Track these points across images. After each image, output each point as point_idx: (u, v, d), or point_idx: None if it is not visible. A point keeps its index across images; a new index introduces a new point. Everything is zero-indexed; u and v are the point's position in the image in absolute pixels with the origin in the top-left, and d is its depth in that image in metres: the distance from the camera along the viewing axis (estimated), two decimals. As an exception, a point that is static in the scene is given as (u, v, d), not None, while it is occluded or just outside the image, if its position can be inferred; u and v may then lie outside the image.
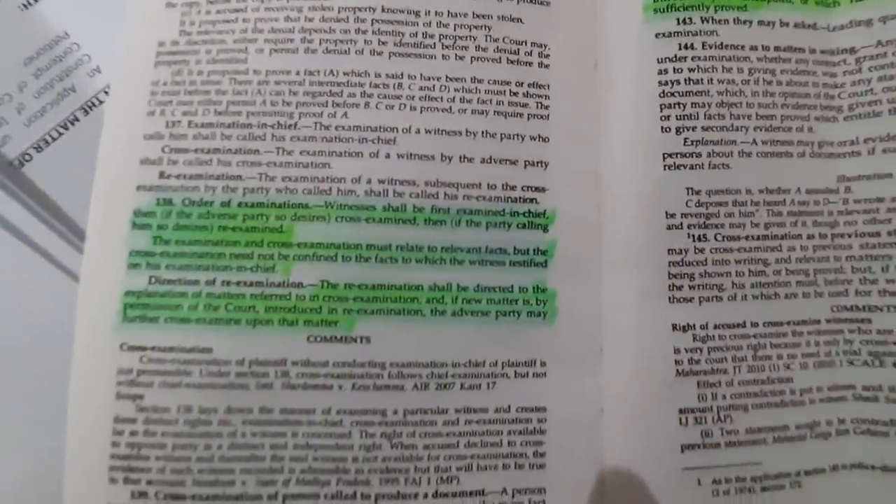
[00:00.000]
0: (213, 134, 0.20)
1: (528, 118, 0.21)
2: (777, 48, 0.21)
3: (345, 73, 0.21)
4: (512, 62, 0.21)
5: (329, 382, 0.19)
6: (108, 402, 0.19)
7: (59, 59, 0.22)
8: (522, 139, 0.21)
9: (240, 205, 0.20)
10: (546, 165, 0.21)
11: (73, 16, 0.22)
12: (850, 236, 0.21)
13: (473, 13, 0.21)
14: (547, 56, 0.22)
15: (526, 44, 0.22)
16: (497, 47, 0.21)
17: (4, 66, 0.22)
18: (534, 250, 0.21)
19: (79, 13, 0.22)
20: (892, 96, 0.21)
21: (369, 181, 0.20)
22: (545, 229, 0.21)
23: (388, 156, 0.20)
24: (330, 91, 0.20)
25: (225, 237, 0.20)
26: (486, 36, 0.21)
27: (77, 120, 0.22)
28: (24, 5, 0.22)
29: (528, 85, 0.21)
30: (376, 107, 0.21)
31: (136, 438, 0.19)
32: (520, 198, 0.21)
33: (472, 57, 0.21)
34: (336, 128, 0.20)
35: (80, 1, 0.22)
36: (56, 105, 0.22)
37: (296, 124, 0.20)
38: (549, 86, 0.22)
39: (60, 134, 0.22)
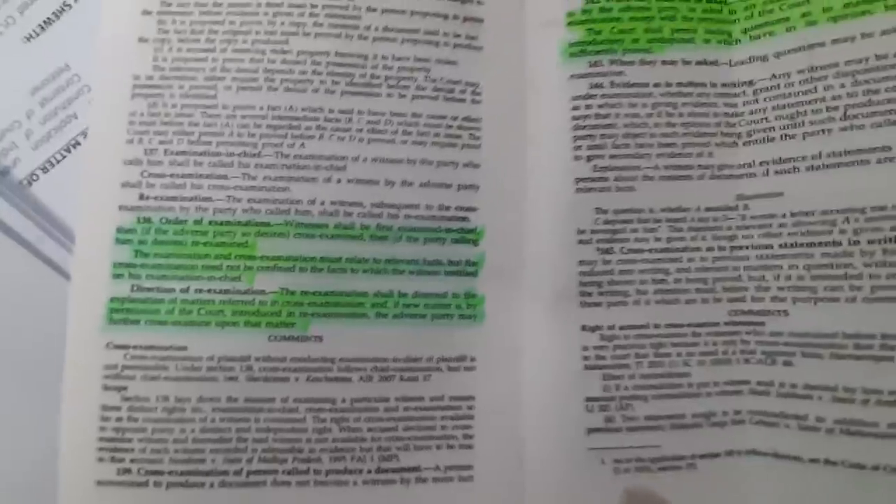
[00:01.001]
0: (187, 161, 0.20)
1: (462, 147, 0.21)
2: (679, 84, 0.20)
3: (302, 109, 0.20)
4: (448, 99, 0.21)
5: (287, 375, 0.19)
6: (96, 393, 0.19)
7: (62, 90, 0.22)
8: (456, 166, 0.21)
9: (210, 223, 0.20)
10: (477, 188, 0.21)
11: (73, 49, 0.22)
12: (747, 248, 0.20)
13: (414, 57, 0.21)
14: (479, 94, 0.21)
15: (460, 83, 0.21)
16: (435, 87, 0.21)
17: (14, 96, 0.21)
18: (465, 262, 0.20)
19: (78, 47, 0.22)
20: (783, 123, 0.20)
21: (323, 203, 0.20)
22: (475, 243, 0.20)
23: (339, 181, 0.20)
24: (289, 125, 0.20)
25: (197, 251, 0.19)
26: (426, 77, 0.21)
27: (79, 144, 0.21)
28: (27, 38, 0.22)
29: (462, 119, 0.21)
30: (329, 138, 0.20)
31: (121, 424, 0.18)
32: (453, 216, 0.20)
33: (412, 95, 0.21)
34: (294, 156, 0.20)
35: (79, 35, 0.22)
36: (60, 131, 0.21)
37: (259, 153, 0.20)
38: (480, 119, 0.21)
39: (64, 156, 0.21)
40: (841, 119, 0.19)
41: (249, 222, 0.20)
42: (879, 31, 0.19)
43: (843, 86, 0.19)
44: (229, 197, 0.20)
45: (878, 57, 0.18)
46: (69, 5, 0.22)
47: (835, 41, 0.19)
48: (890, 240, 0.18)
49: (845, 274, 0.18)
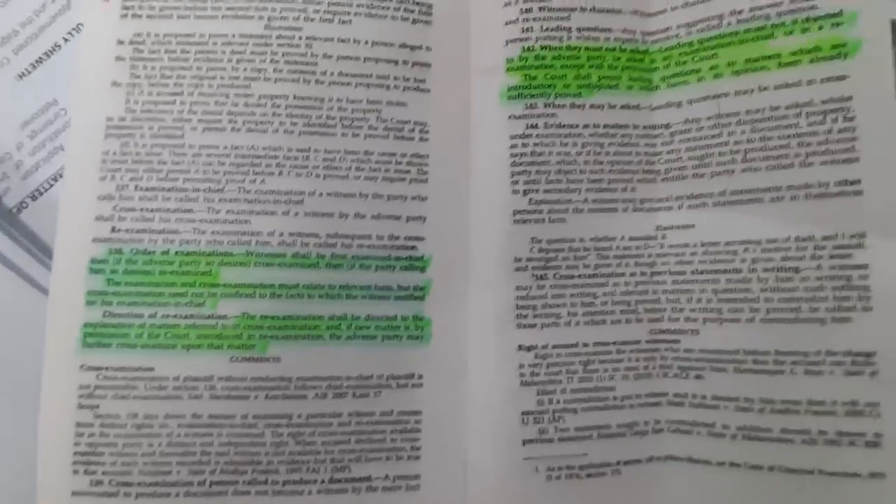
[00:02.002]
0: (156, 196, 0.23)
1: (410, 182, 0.24)
2: (606, 125, 0.24)
3: (263, 148, 0.23)
4: (398, 138, 0.24)
5: (247, 394, 0.22)
6: (71, 411, 0.21)
7: (50, 123, 0.24)
8: (405, 199, 0.24)
9: (177, 253, 0.22)
10: (424, 220, 0.24)
11: (61, 86, 0.25)
12: (665, 274, 0.24)
13: (367, 99, 0.24)
14: (426, 132, 0.24)
15: (409, 123, 0.24)
16: (385, 126, 0.24)
17: (6, 130, 0.24)
18: (413, 287, 0.24)
19: (66, 83, 0.24)
20: (694, 163, 0.23)
21: (281, 234, 0.23)
22: (423, 270, 0.24)
23: (296, 214, 0.23)
24: (251, 162, 0.23)
25: (164, 280, 0.22)
26: (377, 117, 0.24)
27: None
28: (20, 76, 0.25)
29: (411, 156, 0.24)
30: (288, 174, 0.23)
31: (94, 439, 0.21)
32: (402, 246, 0.24)
33: (365, 134, 0.24)
34: (255, 192, 0.23)
35: (66, 73, 0.24)
36: (47, 161, 0.24)
37: (223, 189, 0.23)
38: (427, 156, 0.24)
39: (51, 185, 0.24)
40: (742, 161, 0.23)
41: (213, 252, 0.23)
42: (773, 86, 0.22)
43: (743, 132, 0.23)
44: (195, 229, 0.23)
45: (771, 108, 0.22)
46: (59, 46, 0.25)
47: (737, 93, 0.23)
48: (781, 268, 0.22)
49: (745, 297, 0.22)
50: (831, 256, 0.21)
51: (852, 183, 0.21)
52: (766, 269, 0.22)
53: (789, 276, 0.22)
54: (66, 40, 0.25)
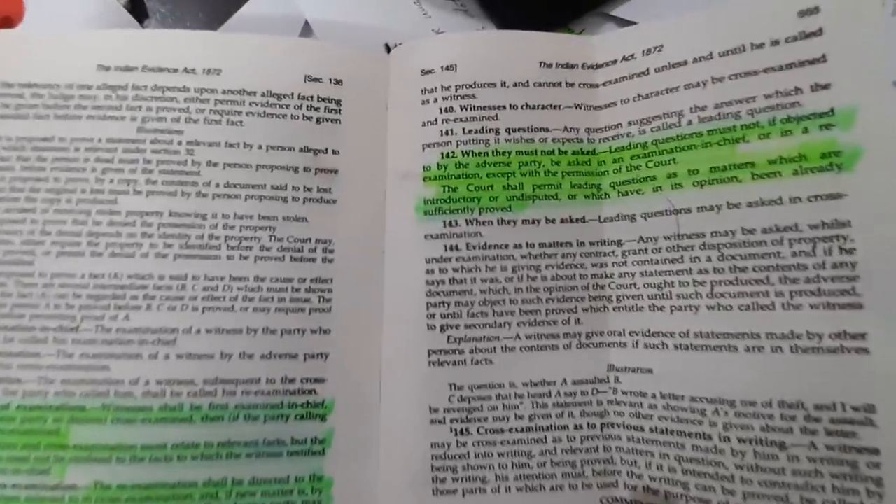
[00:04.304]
0: None
1: (310, 312, 0.19)
2: (542, 244, 0.19)
3: (129, 276, 0.18)
4: (295, 259, 0.19)
5: None
6: None
7: None
8: (303, 333, 0.19)
9: (18, 408, 0.17)
10: (326, 357, 0.19)
11: None
12: (619, 426, 0.18)
13: (259, 215, 0.19)
14: (331, 251, 0.19)
15: (310, 241, 0.19)
16: (281, 246, 0.19)
17: None
18: (311, 440, 0.18)
19: None
20: (652, 293, 0.18)
21: (147, 383, 0.18)
22: (323, 419, 0.18)
23: (167, 357, 0.18)
24: (113, 294, 0.18)
25: (2, 440, 0.17)
26: (271, 236, 0.19)
27: None
28: None
29: (311, 280, 0.19)
30: (158, 308, 0.18)
31: None
32: (298, 390, 0.18)
33: (255, 256, 0.19)
34: (117, 330, 0.18)
35: None
36: None
37: (77, 327, 0.18)
38: (332, 279, 0.19)
39: None
40: (708, 296, 0.17)
41: (62, 406, 0.17)
42: (746, 203, 0.17)
43: (709, 259, 0.17)
44: (41, 378, 0.18)
45: (744, 231, 0.17)
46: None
47: (700, 208, 0.17)
48: (761, 441, 0.16)
49: (717, 473, 0.16)
50: (828, 433, 0.15)
51: (854, 337, 0.15)
52: (741, 440, 0.16)
53: (773, 454, 0.16)
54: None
